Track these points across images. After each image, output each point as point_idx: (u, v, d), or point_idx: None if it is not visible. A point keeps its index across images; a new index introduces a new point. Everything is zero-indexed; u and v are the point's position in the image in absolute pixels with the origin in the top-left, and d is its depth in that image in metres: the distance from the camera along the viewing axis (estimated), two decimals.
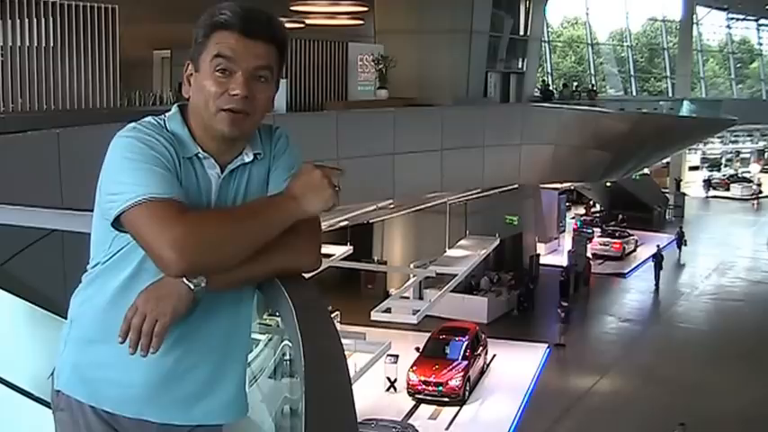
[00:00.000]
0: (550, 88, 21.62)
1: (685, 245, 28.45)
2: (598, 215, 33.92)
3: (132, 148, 1.47)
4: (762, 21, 46.25)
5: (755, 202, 40.52)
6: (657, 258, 24.89)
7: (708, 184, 42.75)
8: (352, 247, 16.04)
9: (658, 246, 26.07)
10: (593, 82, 36.11)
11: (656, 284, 24.54)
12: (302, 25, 17.30)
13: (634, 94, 38.47)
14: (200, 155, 1.54)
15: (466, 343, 16.80)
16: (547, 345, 18.96)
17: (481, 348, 17.46)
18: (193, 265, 1.42)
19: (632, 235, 29.74)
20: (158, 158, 1.46)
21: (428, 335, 17.12)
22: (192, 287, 1.44)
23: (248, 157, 1.57)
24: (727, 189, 42.53)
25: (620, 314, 22.48)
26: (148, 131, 1.50)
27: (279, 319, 1.80)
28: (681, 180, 38.94)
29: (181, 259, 1.39)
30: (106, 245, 1.53)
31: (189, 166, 1.53)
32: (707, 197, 41.43)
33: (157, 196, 1.41)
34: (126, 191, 1.43)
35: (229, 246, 1.44)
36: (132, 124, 1.53)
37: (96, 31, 10.01)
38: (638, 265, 27.22)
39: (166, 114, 1.57)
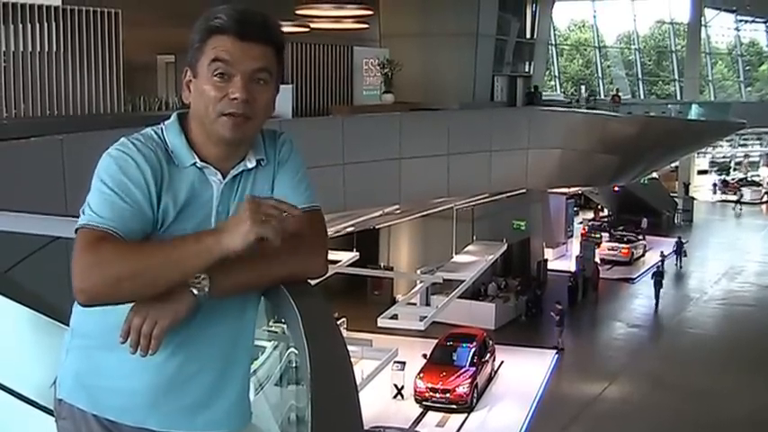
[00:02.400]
0: (533, 90, 20.66)
1: (685, 255, 27.69)
2: (606, 220, 33.72)
3: (108, 169, 1.47)
4: None
5: (739, 207, 39.59)
6: (657, 276, 23.60)
7: (725, 185, 42.40)
8: (358, 253, 15.94)
9: (658, 266, 24.96)
10: (601, 85, 35.96)
11: (656, 304, 23.10)
12: (307, 29, 17.25)
13: (642, 97, 38.37)
14: (197, 164, 1.52)
15: (473, 349, 16.69)
16: (555, 351, 18.82)
17: (489, 355, 17.35)
18: (91, 298, 1.40)
19: (641, 240, 29.54)
20: (125, 184, 1.45)
21: (435, 341, 17.03)
22: (195, 292, 1.43)
23: (251, 163, 1.56)
24: (736, 193, 42.30)
25: (629, 320, 22.34)
26: (132, 150, 1.49)
27: (284, 326, 1.76)
28: (689, 184, 38.69)
29: (80, 290, 1.39)
30: None
31: (186, 176, 1.51)
32: (724, 201, 40.88)
33: (91, 225, 1.42)
34: (83, 214, 1.45)
35: (131, 281, 1.39)
36: (123, 139, 1.51)
37: (99, 35, 9.95)
38: (646, 271, 27.06)
39: (165, 123, 1.56)
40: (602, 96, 32.86)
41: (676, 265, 27.30)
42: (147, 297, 1.41)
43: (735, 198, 40.76)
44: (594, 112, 20.70)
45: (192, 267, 1.41)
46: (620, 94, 27.90)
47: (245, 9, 1.50)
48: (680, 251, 27.77)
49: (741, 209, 39.56)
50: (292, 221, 1.43)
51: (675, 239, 28.60)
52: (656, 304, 23.07)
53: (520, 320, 21.34)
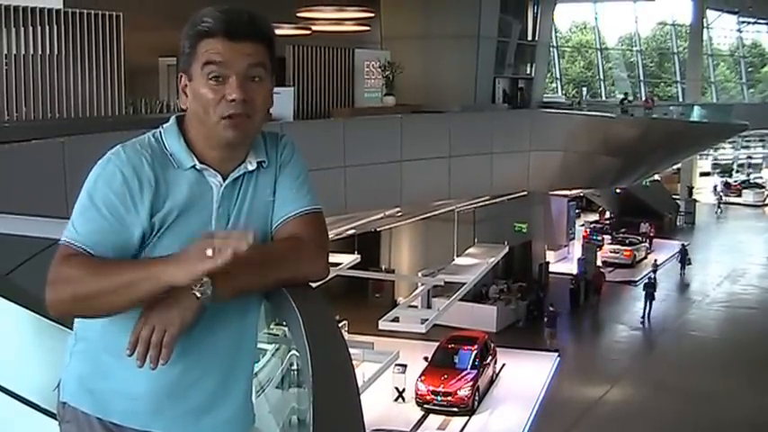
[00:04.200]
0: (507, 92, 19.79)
1: (689, 263, 26.57)
2: (608, 222, 33.65)
3: (95, 182, 1.49)
4: None
5: (718, 209, 38.61)
6: (649, 288, 22.21)
7: (727, 187, 42.08)
8: (359, 256, 15.93)
9: (650, 277, 23.74)
10: (603, 87, 35.90)
11: (647, 317, 21.73)
12: (308, 32, 17.28)
13: (644, 99, 38.28)
14: (197, 167, 1.52)
15: (475, 352, 16.64)
16: (557, 353, 18.78)
17: (490, 358, 17.30)
18: (57, 313, 1.47)
19: (643, 242, 29.46)
20: (108, 199, 1.47)
21: (437, 344, 16.99)
22: (199, 295, 1.43)
23: (251, 166, 1.57)
24: (739, 195, 42.18)
25: (631, 323, 22.27)
26: (123, 160, 1.49)
27: (286, 328, 1.78)
28: (693, 187, 38.37)
29: (48, 304, 1.45)
30: None
31: (186, 178, 1.52)
32: (726, 203, 40.50)
33: (67, 241, 1.46)
34: (69, 226, 1.49)
35: (84, 302, 1.44)
36: (117, 147, 1.52)
37: (101, 38, 9.95)
38: (648, 273, 26.95)
39: (164, 126, 1.57)
40: (604, 98, 32.81)
41: (681, 274, 26.44)
42: (109, 314, 1.46)
43: (716, 200, 39.85)
44: (586, 113, 20.62)
45: (139, 294, 1.41)
46: (653, 97, 27.09)
47: (229, 9, 1.50)
48: (683, 259, 26.74)
49: (721, 210, 38.84)
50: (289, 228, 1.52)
51: (679, 247, 27.74)
52: (648, 317, 21.72)
53: (521, 323, 21.29)
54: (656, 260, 26.43)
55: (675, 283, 25.96)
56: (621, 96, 24.86)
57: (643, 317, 21.93)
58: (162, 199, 1.49)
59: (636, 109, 22.35)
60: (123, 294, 1.41)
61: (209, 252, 1.34)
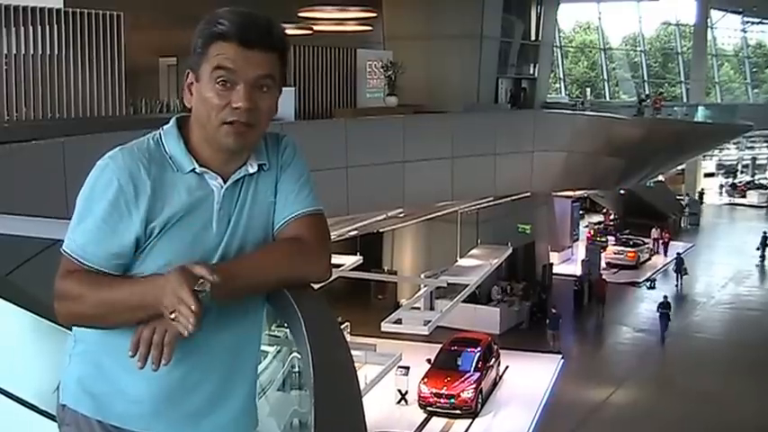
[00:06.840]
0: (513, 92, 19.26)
1: (686, 273, 25.45)
2: (612, 224, 33.52)
3: (92, 191, 1.49)
4: None
5: (687, 211, 36.59)
6: (664, 308, 20.82)
7: (732, 188, 41.68)
8: (362, 257, 15.90)
9: (665, 296, 22.07)
10: (607, 87, 35.80)
11: (663, 337, 20.36)
12: (310, 32, 17.25)
13: (654, 99, 38.18)
14: (196, 170, 1.52)
15: (478, 354, 16.58)
16: (560, 355, 18.70)
17: (494, 360, 17.23)
18: (67, 324, 1.54)
19: (647, 243, 29.34)
20: (104, 207, 1.47)
21: (440, 346, 16.94)
22: (199, 295, 1.41)
23: (252, 168, 1.56)
24: (744, 196, 42.04)
25: (635, 324, 22.20)
26: (120, 166, 1.48)
27: (287, 330, 1.78)
28: (704, 193, 37.69)
29: (57, 316, 1.50)
30: None
31: (186, 182, 1.51)
32: (731, 204, 40.03)
33: (67, 252, 1.49)
34: (68, 234, 1.51)
35: (88, 319, 1.49)
36: (116, 150, 1.51)
37: (101, 38, 9.93)
38: (653, 274, 26.82)
39: (163, 128, 1.56)
40: (608, 99, 32.69)
41: (676, 285, 25.43)
42: (102, 323, 1.49)
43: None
44: (589, 113, 20.53)
45: (136, 318, 1.44)
46: (663, 95, 26.70)
47: (248, 13, 1.48)
48: (680, 269, 25.61)
49: (687, 211, 37.22)
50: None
51: (674, 256, 26.70)
52: (663, 339, 20.33)
53: (525, 325, 21.21)
54: (650, 275, 25.87)
55: (675, 287, 25.71)
56: (636, 97, 24.74)
57: (662, 338, 20.51)
58: (159, 205, 1.48)
59: (646, 109, 22.24)
60: (121, 317, 1.46)
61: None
